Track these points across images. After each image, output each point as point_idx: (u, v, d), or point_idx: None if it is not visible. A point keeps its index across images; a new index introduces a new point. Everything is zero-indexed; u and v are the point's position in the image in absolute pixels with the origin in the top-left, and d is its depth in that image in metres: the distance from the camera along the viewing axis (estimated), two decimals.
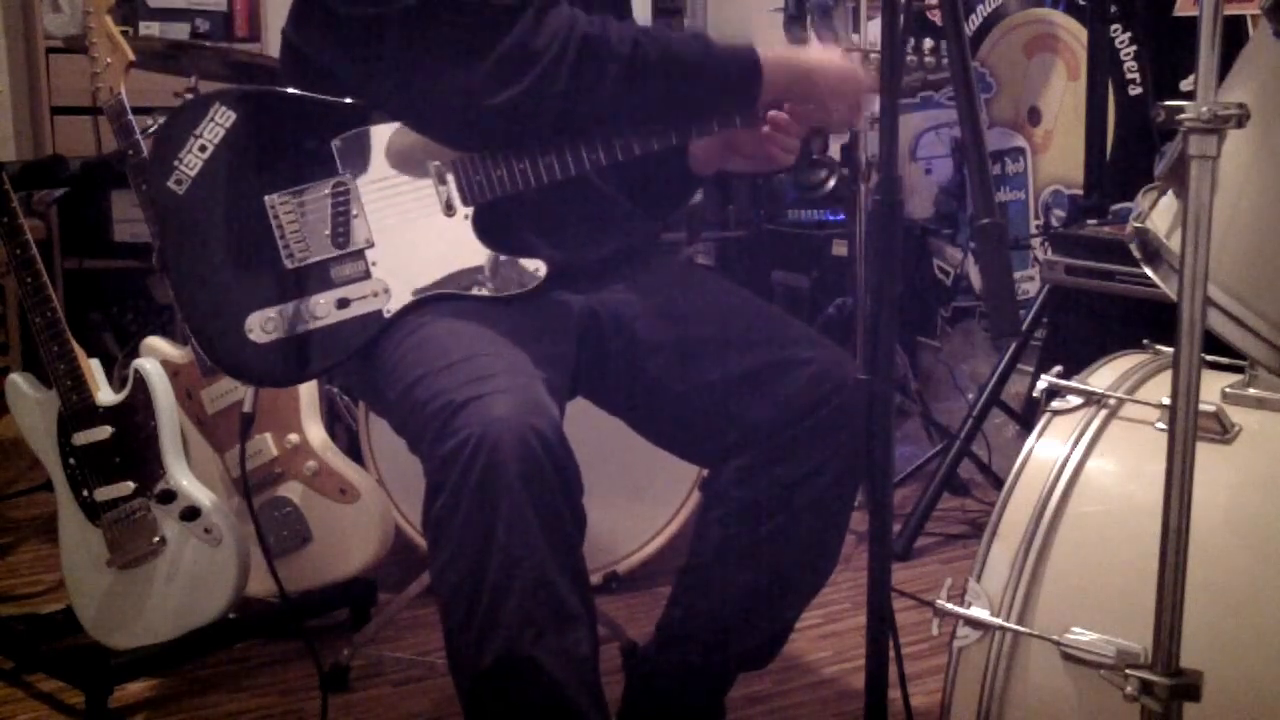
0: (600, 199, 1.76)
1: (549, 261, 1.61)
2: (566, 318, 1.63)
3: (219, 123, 1.60)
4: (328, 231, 1.59)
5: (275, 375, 1.64)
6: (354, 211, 1.59)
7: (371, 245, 1.60)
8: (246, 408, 1.85)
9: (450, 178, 1.61)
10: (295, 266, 1.58)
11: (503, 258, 1.61)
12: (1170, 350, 1.43)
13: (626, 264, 1.76)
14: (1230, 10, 2.40)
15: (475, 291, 1.59)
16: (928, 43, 1.75)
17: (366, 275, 1.59)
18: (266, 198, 1.59)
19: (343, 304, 1.59)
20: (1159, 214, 1.33)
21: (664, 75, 1.55)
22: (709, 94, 1.59)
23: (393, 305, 1.58)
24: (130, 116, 2.13)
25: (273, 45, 3.80)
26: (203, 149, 1.59)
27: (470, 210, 1.61)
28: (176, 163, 1.59)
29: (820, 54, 1.60)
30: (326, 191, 1.59)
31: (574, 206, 1.71)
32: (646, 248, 1.83)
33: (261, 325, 1.57)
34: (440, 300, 1.58)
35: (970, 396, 3.05)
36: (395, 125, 1.61)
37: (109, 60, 2.14)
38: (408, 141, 1.62)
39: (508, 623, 1.38)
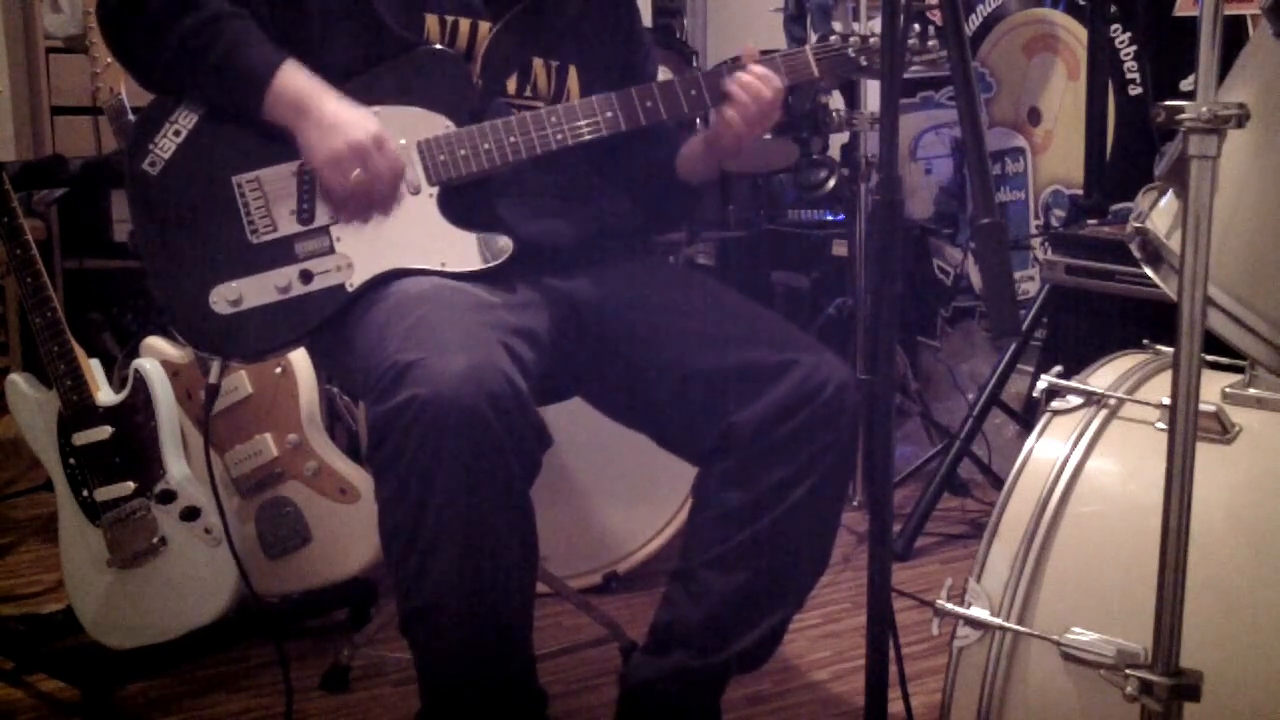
0: (576, 180, 1.76)
1: (516, 239, 1.62)
2: (538, 302, 1.63)
3: (193, 110, 1.63)
4: (292, 209, 1.61)
5: (238, 347, 1.63)
6: (318, 190, 1.61)
7: (335, 222, 1.61)
8: (212, 379, 1.86)
9: (415, 157, 1.63)
10: (259, 241, 1.60)
11: (469, 234, 1.62)
12: (1170, 350, 1.43)
13: (605, 249, 1.77)
14: (1230, 10, 2.40)
15: (440, 267, 1.60)
16: (915, 28, 1.75)
17: (330, 250, 1.61)
18: (234, 178, 1.61)
19: (306, 278, 1.60)
20: (1159, 214, 1.33)
21: (198, 64, 1.59)
22: (218, 93, 1.62)
23: (356, 279, 1.60)
24: (130, 116, 2.12)
25: None
26: (177, 134, 1.63)
27: (435, 190, 1.63)
28: (151, 146, 1.62)
29: (335, 119, 1.58)
30: (292, 171, 1.62)
31: (547, 187, 1.72)
32: (629, 236, 1.83)
33: (225, 297, 1.59)
34: (404, 276, 1.59)
35: (970, 396, 3.04)
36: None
37: (109, 60, 2.13)
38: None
39: (436, 579, 1.42)
